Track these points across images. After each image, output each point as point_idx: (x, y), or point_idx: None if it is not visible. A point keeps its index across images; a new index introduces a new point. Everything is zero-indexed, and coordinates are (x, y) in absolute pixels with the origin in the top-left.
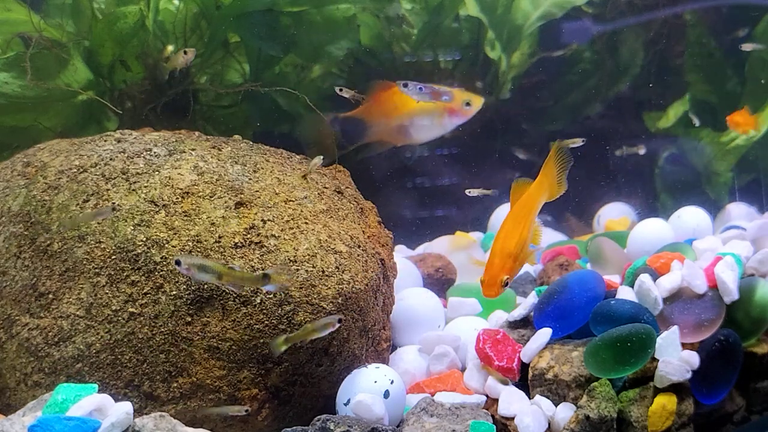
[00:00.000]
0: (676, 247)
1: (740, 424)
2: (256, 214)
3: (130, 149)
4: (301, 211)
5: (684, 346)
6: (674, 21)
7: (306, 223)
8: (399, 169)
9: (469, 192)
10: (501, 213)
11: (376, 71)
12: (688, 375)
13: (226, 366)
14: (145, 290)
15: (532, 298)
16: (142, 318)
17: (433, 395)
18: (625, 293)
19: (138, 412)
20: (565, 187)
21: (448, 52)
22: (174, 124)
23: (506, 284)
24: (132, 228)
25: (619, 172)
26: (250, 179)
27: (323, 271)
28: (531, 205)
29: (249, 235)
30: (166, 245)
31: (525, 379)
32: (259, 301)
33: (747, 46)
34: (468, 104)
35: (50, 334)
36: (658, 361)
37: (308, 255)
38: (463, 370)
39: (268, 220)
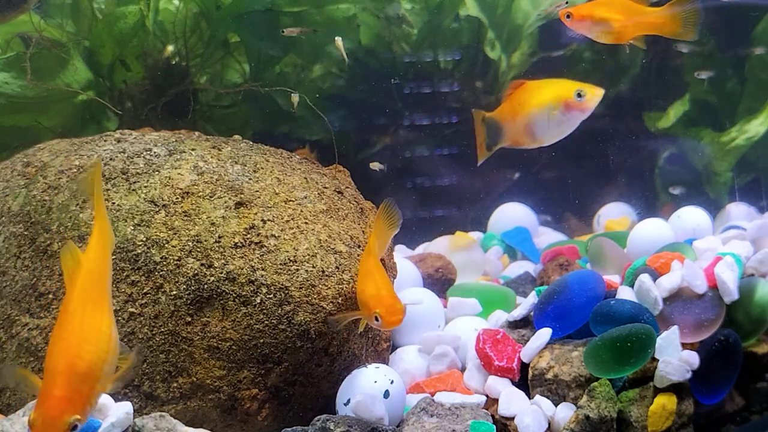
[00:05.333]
0: (676, 247)
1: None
2: (256, 214)
3: (130, 149)
4: (301, 211)
5: (684, 346)
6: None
7: (306, 223)
8: (399, 169)
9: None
10: (501, 213)
11: (376, 71)
12: (688, 375)
13: (226, 366)
14: (145, 290)
15: (532, 298)
16: (142, 318)
17: (433, 395)
18: (625, 293)
19: (138, 412)
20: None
21: (448, 52)
22: (174, 124)
23: (74, 429)
24: (132, 228)
25: (619, 172)
26: (250, 179)
27: (323, 271)
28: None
29: (249, 235)
30: (166, 245)
31: (525, 379)
32: (259, 301)
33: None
34: (580, 95)
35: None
36: (658, 361)
37: (308, 255)
38: (463, 370)
39: (268, 220)
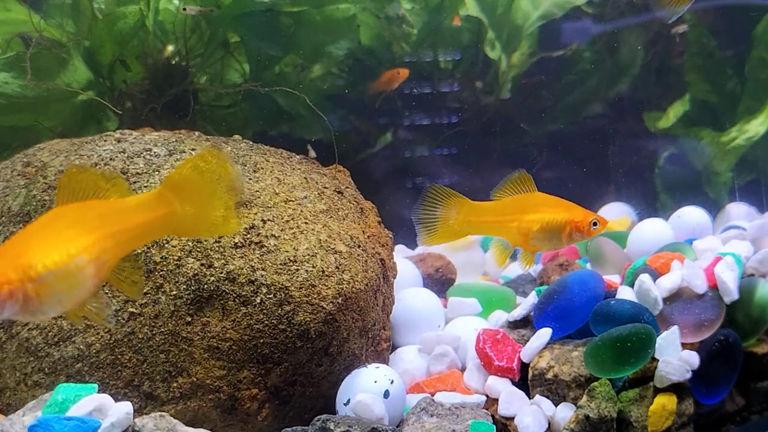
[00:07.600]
0: (676, 247)
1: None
2: (256, 214)
3: (130, 149)
4: (301, 211)
5: (684, 346)
6: (674, 21)
7: (306, 223)
8: (399, 169)
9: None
10: None
11: (376, 71)
12: (688, 375)
13: (226, 366)
14: (145, 290)
15: (532, 298)
16: (142, 318)
17: (433, 395)
18: (625, 293)
19: (138, 412)
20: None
21: (448, 52)
22: (174, 124)
23: None
24: None
25: (619, 172)
26: (250, 179)
27: (323, 271)
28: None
29: (249, 235)
30: (166, 245)
31: (525, 379)
32: (259, 301)
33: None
34: None
35: (50, 334)
36: (658, 361)
37: (308, 255)
38: (463, 370)
39: (268, 220)
